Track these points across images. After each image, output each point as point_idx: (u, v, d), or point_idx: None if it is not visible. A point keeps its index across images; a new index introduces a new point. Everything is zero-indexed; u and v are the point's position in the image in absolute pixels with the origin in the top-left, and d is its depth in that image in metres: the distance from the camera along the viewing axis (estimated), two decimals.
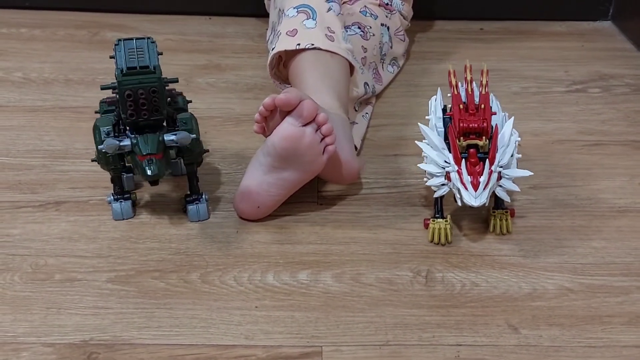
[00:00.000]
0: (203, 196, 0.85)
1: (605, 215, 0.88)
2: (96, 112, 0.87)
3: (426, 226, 0.83)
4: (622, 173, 0.96)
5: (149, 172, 0.76)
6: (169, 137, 0.78)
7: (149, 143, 0.77)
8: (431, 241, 0.82)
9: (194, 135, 0.80)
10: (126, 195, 0.85)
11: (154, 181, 0.79)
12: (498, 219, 0.83)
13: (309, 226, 0.86)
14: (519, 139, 0.81)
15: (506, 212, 0.83)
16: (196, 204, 0.85)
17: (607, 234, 0.84)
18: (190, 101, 0.90)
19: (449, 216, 0.83)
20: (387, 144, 1.04)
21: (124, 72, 0.75)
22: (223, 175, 0.95)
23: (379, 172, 0.97)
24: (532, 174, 0.80)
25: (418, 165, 0.82)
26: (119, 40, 0.80)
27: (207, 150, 0.87)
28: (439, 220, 0.82)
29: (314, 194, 0.92)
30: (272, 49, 0.98)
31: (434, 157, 0.79)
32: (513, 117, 0.82)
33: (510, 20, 1.48)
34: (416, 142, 0.83)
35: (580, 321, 0.72)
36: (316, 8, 0.99)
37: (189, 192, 0.86)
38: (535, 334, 0.70)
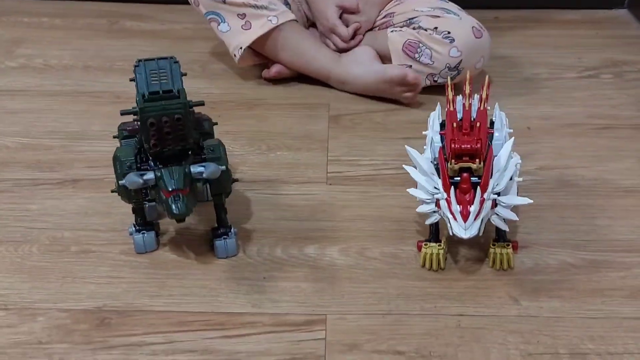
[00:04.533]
0: (232, 229, 0.79)
1: (611, 195, 0.88)
2: (115, 137, 0.81)
3: (419, 249, 0.77)
4: (630, 155, 0.97)
5: (175, 211, 0.68)
6: (196, 169, 0.70)
7: (175, 177, 0.69)
8: (422, 266, 0.76)
9: (223, 167, 0.72)
10: (149, 227, 0.79)
11: (180, 219, 0.71)
12: (498, 253, 0.76)
13: (317, 204, 0.88)
14: (520, 161, 0.75)
15: (508, 245, 0.76)
16: (224, 238, 0.78)
17: (612, 212, 0.85)
18: (216, 123, 0.84)
19: (444, 240, 0.77)
20: (396, 127, 1.06)
21: (146, 97, 0.69)
22: (236, 157, 0.98)
23: (388, 154, 0.98)
24: (532, 202, 0.72)
25: (407, 190, 0.75)
26: (139, 61, 0.73)
27: (237, 180, 0.82)
28: (432, 244, 0.76)
29: (323, 174, 0.94)
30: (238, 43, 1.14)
31: (423, 183, 0.72)
32: (513, 138, 0.74)
33: (525, 8, 1.49)
34: (404, 166, 0.76)
35: (581, 294, 0.73)
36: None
37: (216, 225, 0.79)
38: (535, 306, 0.71)
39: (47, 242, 0.81)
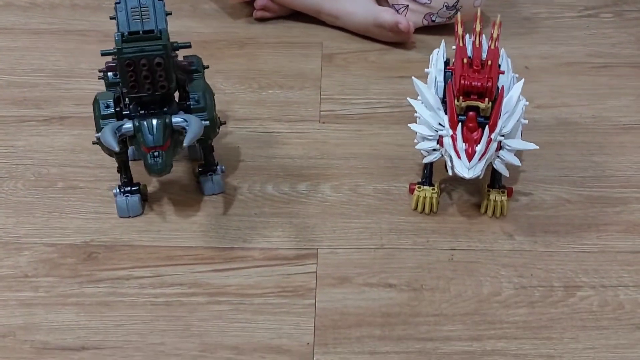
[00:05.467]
0: (219, 167, 0.77)
1: (609, 132, 0.87)
2: (100, 78, 0.76)
3: (411, 192, 0.75)
4: (629, 93, 0.95)
5: (154, 170, 0.65)
6: (177, 119, 0.67)
7: (154, 133, 0.65)
8: (414, 209, 0.74)
9: (206, 122, 0.68)
10: (134, 188, 0.74)
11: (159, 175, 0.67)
12: (492, 200, 0.73)
13: (310, 142, 0.86)
14: (527, 103, 0.72)
15: (503, 191, 0.74)
16: (210, 175, 0.76)
17: (609, 149, 0.84)
18: (207, 66, 0.78)
19: (437, 184, 0.75)
20: (391, 66, 1.03)
21: (125, 37, 0.66)
22: (227, 95, 0.95)
23: (383, 92, 0.96)
24: (537, 147, 0.70)
25: (409, 125, 0.73)
26: None
27: (224, 123, 0.79)
28: (425, 187, 0.74)
29: (316, 113, 0.92)
30: None
31: (427, 118, 0.69)
32: (523, 80, 0.71)
33: None
34: (408, 99, 0.73)
35: (576, 229, 0.72)
36: None
37: (203, 163, 0.77)
38: (530, 240, 0.70)
39: (32, 178, 0.79)
